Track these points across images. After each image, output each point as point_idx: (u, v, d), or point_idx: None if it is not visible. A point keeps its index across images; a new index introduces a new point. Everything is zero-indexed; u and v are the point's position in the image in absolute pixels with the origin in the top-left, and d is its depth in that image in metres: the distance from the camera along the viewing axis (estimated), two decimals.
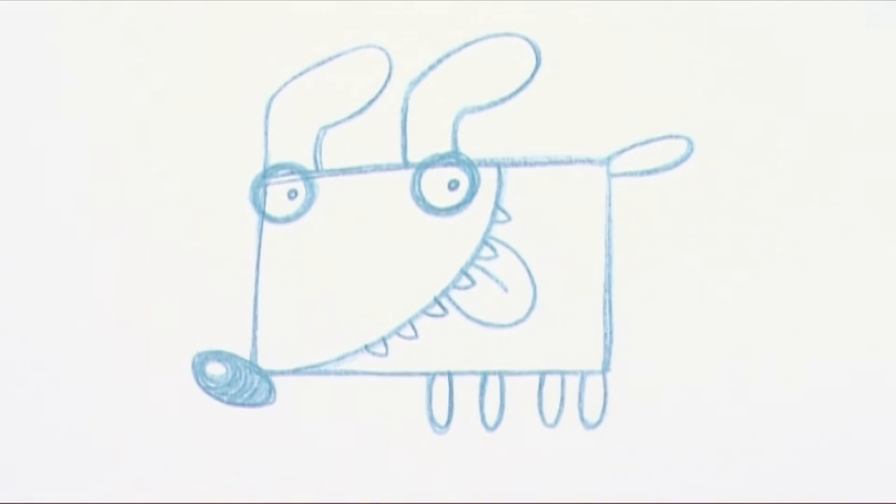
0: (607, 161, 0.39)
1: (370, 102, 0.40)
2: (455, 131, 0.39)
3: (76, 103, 0.41)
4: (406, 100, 0.40)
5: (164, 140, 0.41)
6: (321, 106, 0.40)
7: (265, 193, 0.40)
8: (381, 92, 0.40)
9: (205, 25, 0.41)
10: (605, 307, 0.38)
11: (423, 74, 0.40)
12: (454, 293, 0.39)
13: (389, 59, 0.40)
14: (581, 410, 0.38)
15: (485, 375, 0.38)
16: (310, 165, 0.40)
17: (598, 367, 0.38)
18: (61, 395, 0.40)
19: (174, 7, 0.41)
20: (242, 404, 0.39)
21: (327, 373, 0.39)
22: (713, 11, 0.39)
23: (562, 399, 0.38)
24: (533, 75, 0.39)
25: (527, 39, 0.39)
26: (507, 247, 0.39)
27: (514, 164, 0.39)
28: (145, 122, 0.41)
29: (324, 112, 0.40)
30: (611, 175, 0.38)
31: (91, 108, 0.41)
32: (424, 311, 0.39)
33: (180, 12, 0.41)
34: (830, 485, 0.36)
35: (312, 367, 0.39)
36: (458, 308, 0.39)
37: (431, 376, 0.39)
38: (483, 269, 0.39)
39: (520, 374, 0.38)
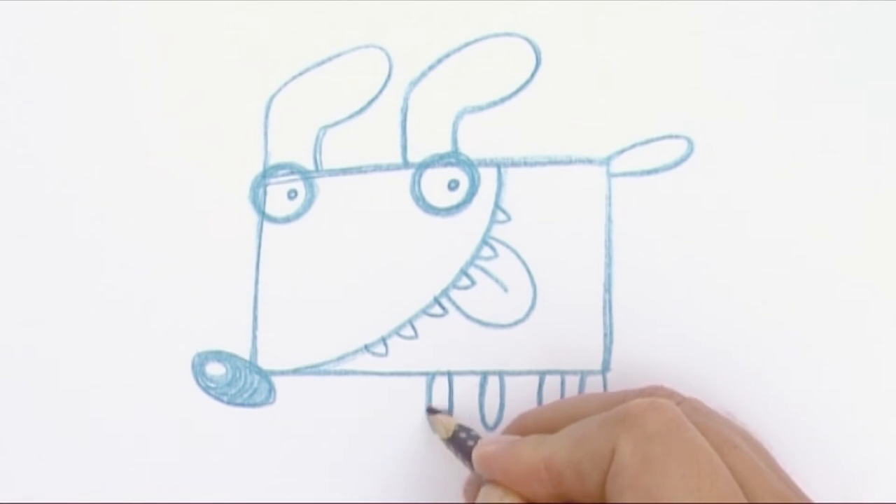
0: (607, 161, 0.39)
1: (370, 102, 0.40)
2: (455, 131, 0.39)
3: (75, 103, 0.41)
4: (406, 100, 0.40)
5: (164, 140, 0.41)
6: (321, 106, 0.40)
7: (265, 193, 0.40)
8: (381, 92, 0.40)
9: (205, 25, 0.41)
10: (605, 307, 0.38)
11: (423, 74, 0.40)
12: (454, 293, 0.39)
13: (389, 59, 0.40)
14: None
15: (485, 375, 0.38)
16: (310, 165, 0.40)
17: (598, 367, 0.38)
18: (61, 394, 0.40)
19: (174, 7, 0.41)
20: (242, 404, 0.39)
21: (327, 373, 0.39)
22: (713, 11, 0.39)
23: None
24: (533, 75, 0.39)
25: (527, 39, 0.39)
26: (507, 247, 0.39)
27: (514, 164, 0.39)
28: (145, 121, 0.41)
29: (324, 112, 0.40)
30: (611, 175, 0.38)
31: (90, 107, 0.41)
32: (424, 311, 0.39)
33: (180, 12, 0.41)
34: (830, 484, 0.36)
35: (312, 367, 0.39)
36: (458, 308, 0.39)
37: (431, 376, 0.39)
38: (483, 269, 0.39)
39: (520, 374, 0.38)
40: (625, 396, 0.32)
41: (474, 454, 0.33)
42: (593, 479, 0.29)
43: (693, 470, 0.28)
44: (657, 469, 0.28)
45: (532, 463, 0.31)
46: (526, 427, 0.35)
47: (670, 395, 0.33)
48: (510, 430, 0.36)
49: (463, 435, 0.35)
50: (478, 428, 0.38)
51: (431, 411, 0.38)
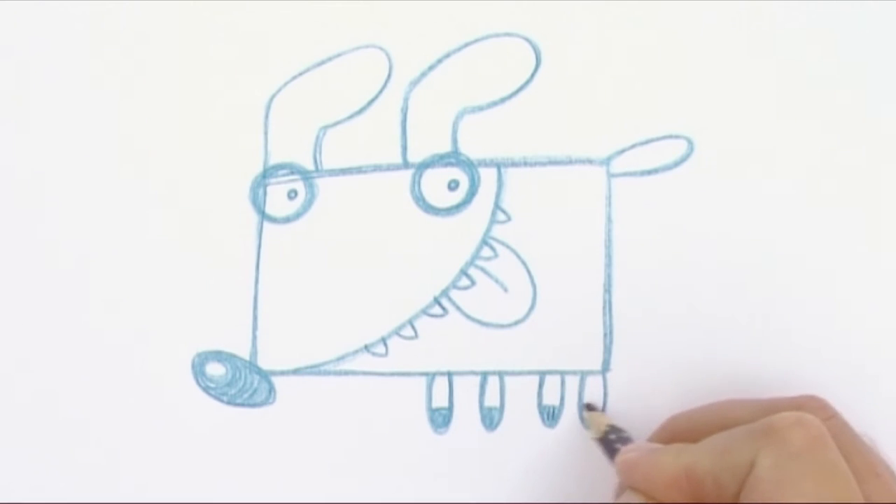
0: (607, 161, 0.39)
1: (370, 102, 0.40)
2: (455, 131, 0.39)
3: (75, 103, 0.41)
4: (406, 100, 0.40)
5: (164, 140, 0.41)
6: (321, 106, 0.40)
7: (265, 193, 0.40)
8: (381, 92, 0.40)
9: (205, 25, 0.41)
10: (605, 307, 0.38)
11: (423, 74, 0.40)
12: (454, 293, 0.39)
13: (389, 59, 0.40)
14: (581, 410, 0.38)
15: (485, 375, 0.38)
16: (310, 165, 0.40)
17: (598, 367, 0.38)
18: (61, 394, 0.40)
19: (174, 7, 0.41)
20: (242, 404, 0.39)
21: (327, 373, 0.39)
22: (713, 11, 0.39)
23: (562, 399, 0.38)
24: (533, 75, 0.39)
25: (527, 39, 0.39)
26: (507, 247, 0.39)
27: (514, 164, 0.39)
28: (145, 122, 0.41)
29: (324, 112, 0.40)
30: (611, 175, 0.38)
31: (91, 107, 0.41)
32: (424, 311, 0.39)
33: (180, 12, 0.41)
34: None
35: (312, 367, 0.39)
36: (458, 308, 0.39)
37: (431, 376, 0.39)
38: (483, 269, 0.39)
39: (520, 374, 0.38)
40: (775, 405, 0.32)
41: (617, 461, 0.33)
42: (730, 490, 0.29)
43: (829, 493, 0.27)
44: (793, 488, 0.28)
45: (674, 471, 0.31)
46: (676, 429, 0.35)
47: (822, 407, 0.33)
48: (659, 434, 0.36)
49: (613, 436, 0.35)
50: (478, 428, 0.38)
51: (589, 408, 0.38)
